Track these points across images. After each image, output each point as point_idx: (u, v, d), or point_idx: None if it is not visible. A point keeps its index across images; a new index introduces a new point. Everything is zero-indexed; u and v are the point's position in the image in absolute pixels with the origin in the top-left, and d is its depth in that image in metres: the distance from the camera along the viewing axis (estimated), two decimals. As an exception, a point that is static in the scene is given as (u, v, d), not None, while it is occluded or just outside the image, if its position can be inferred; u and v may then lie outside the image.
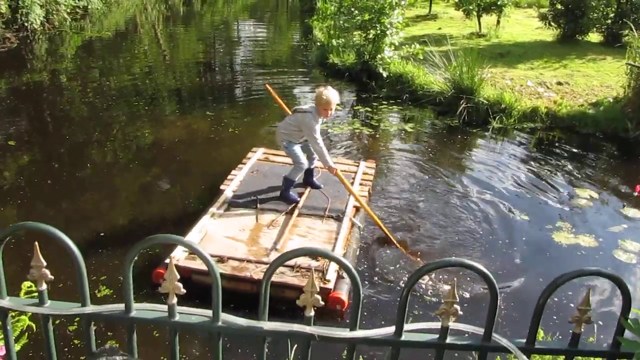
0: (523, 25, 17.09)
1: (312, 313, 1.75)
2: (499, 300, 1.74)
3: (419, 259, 5.60)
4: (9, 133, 8.72)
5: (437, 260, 1.78)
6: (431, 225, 6.31)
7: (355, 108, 10.74)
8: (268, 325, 1.76)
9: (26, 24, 16.09)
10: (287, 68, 13.87)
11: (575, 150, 9.02)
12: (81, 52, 15.28)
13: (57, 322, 4.08)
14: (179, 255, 4.99)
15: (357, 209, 6.17)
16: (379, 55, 11.57)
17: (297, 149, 6.02)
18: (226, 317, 1.77)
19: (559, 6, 14.49)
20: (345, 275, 4.87)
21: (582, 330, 1.82)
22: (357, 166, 7.00)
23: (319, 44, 14.32)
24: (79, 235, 5.60)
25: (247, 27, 22.68)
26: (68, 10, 18.69)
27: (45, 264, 1.79)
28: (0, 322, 1.90)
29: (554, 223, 6.52)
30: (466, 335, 1.82)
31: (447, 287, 4.96)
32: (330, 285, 4.74)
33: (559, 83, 11.46)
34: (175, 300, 1.76)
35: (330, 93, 5.71)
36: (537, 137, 9.56)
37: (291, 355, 2.50)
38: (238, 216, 5.86)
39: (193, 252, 1.74)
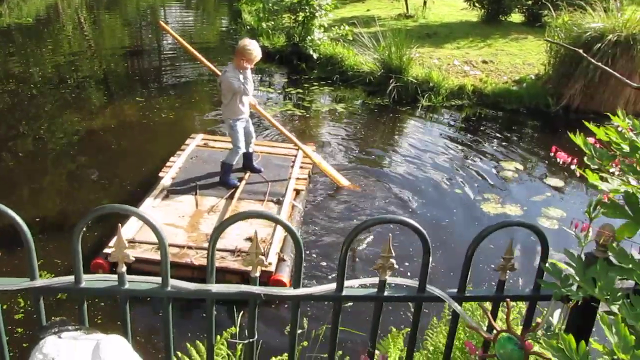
0: (449, 6, 17.46)
1: (258, 274, 1.84)
2: (430, 254, 1.87)
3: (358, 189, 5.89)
4: None
5: (373, 217, 1.89)
6: (365, 201, 6.47)
7: (286, 90, 10.80)
8: (216, 287, 1.82)
9: None
10: (216, 52, 13.75)
11: (500, 125, 9.39)
12: None
13: (4, 306, 4.01)
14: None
15: (298, 192, 6.25)
16: (309, 37, 11.64)
17: (240, 129, 5.97)
18: (175, 282, 1.83)
19: (482, -13, 14.91)
20: (286, 258, 4.98)
21: (507, 277, 1.97)
22: (297, 150, 7.00)
23: (248, 27, 14.23)
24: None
25: (173, 12, 22.29)
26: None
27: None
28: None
29: (483, 194, 6.79)
30: (403, 287, 1.94)
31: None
32: (272, 268, 4.77)
33: (484, 62, 11.83)
34: (124, 268, 1.81)
35: (245, 40, 5.75)
36: (465, 114, 9.88)
37: (238, 321, 2.58)
38: (177, 203, 5.82)
39: (141, 219, 1.79)
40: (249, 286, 1.81)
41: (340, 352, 2.76)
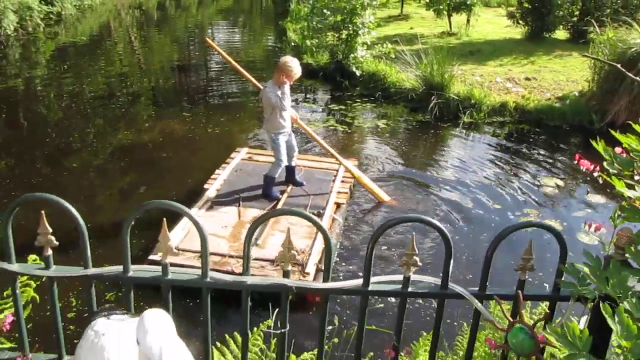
0: (493, 24, 17.48)
1: (290, 267, 1.99)
2: (452, 253, 1.99)
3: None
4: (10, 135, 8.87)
5: (397, 216, 2.02)
6: (406, 214, 6.56)
7: (329, 106, 11.00)
8: (251, 279, 1.98)
9: (-1, 30, 16.14)
10: (261, 70, 14.06)
11: (542, 142, 9.36)
12: (55, 58, 15.34)
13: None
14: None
15: (338, 206, 6.38)
16: (352, 55, 11.84)
17: (282, 142, 6.15)
18: (213, 274, 2.00)
19: (526, 4, 14.89)
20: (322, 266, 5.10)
21: (527, 277, 2.08)
22: (339, 164, 7.09)
23: (293, 44, 14.53)
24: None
25: (221, 30, 22.86)
26: (41, 16, 18.71)
27: (50, 230, 2.00)
28: (10, 286, 2.11)
29: (522, 210, 6.82)
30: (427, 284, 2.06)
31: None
32: (310, 278, 4.88)
33: (527, 78, 11.82)
34: (168, 260, 1.98)
35: (287, 57, 5.98)
36: (506, 130, 9.89)
37: (273, 317, 2.73)
38: (221, 214, 6.01)
39: (183, 213, 1.96)
40: (282, 279, 1.96)
41: (370, 353, 2.89)
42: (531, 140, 9.47)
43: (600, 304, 1.50)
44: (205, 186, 6.57)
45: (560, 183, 7.73)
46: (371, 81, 11.59)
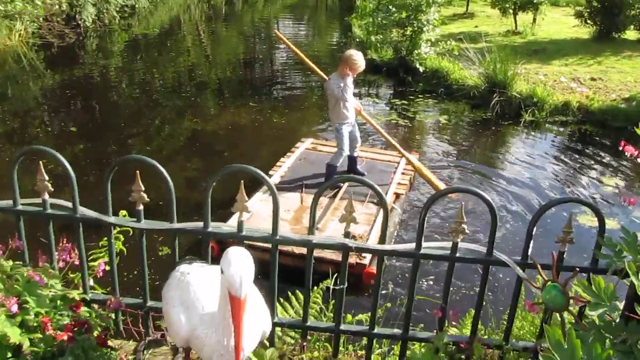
0: (560, 24, 17.26)
1: (350, 229, 2.25)
2: (497, 222, 2.21)
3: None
4: (70, 121, 9.41)
5: (447, 187, 2.26)
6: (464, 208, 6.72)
7: (392, 101, 11.19)
8: (316, 238, 2.26)
9: (79, 22, 16.93)
10: (325, 64, 14.35)
11: (605, 143, 9.33)
12: (128, 49, 16.02)
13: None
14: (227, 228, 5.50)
15: (397, 196, 6.59)
16: (416, 51, 11.99)
17: (345, 133, 6.38)
18: (283, 233, 2.28)
19: (595, 3, 14.66)
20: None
21: (566, 249, 2.28)
22: (401, 157, 7.21)
23: (358, 40, 14.76)
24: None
25: (287, 25, 23.26)
26: (117, 9, 19.49)
27: (143, 188, 2.32)
28: (106, 237, 2.45)
29: (580, 207, 6.87)
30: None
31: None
32: (366, 262, 5.06)
33: (593, 79, 11.71)
34: (244, 217, 2.28)
35: (351, 50, 6.26)
36: (569, 130, 9.88)
37: (332, 280, 2.98)
38: (284, 199, 6.22)
39: (259, 177, 2.25)
40: (343, 238, 2.23)
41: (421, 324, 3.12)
42: (594, 140, 9.44)
43: (633, 277, 1.68)
44: (270, 172, 6.86)
45: (620, 183, 7.73)
46: (434, 77, 11.73)
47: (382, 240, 2.25)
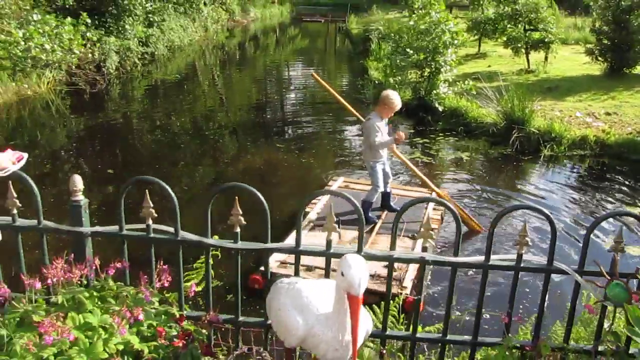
0: (570, 61, 17.71)
1: (428, 244, 2.56)
2: (556, 235, 2.51)
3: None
4: (102, 163, 9.84)
5: (512, 204, 2.57)
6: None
7: (413, 140, 11.55)
8: (396, 253, 2.56)
9: (103, 69, 17.58)
10: (338, 106, 14.83)
11: (624, 175, 9.61)
12: (148, 94, 16.68)
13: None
14: (272, 264, 5.65)
15: (433, 230, 6.81)
16: (435, 91, 12.41)
17: (379, 170, 6.71)
18: (366, 250, 2.59)
19: (605, 41, 15.13)
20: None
21: (619, 257, 2.57)
22: (430, 194, 7.46)
23: (376, 82, 15.21)
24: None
25: (298, 68, 23.93)
26: (138, 56, 20.18)
27: (241, 212, 2.65)
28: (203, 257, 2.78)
29: (607, 236, 7.11)
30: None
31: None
32: (407, 292, 5.29)
33: (608, 113, 12.06)
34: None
35: (388, 91, 6.64)
36: (587, 163, 10.18)
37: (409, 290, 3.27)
38: (323, 234, 6.51)
39: (346, 200, 2.57)
40: (422, 252, 2.54)
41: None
42: (613, 173, 9.73)
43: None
44: (307, 209, 7.10)
45: (644, 212, 7.99)
46: (453, 116, 12.11)
47: (455, 252, 2.55)
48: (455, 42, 12.30)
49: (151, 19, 21.63)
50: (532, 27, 15.98)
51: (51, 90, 14.98)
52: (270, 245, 2.67)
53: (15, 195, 2.99)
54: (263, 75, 21.76)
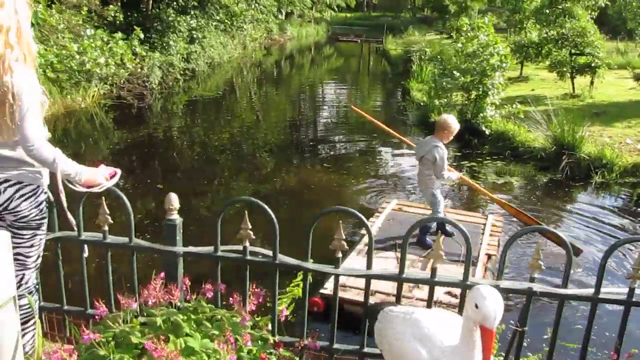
0: (616, 86, 17.49)
1: (535, 275, 2.52)
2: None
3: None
4: (154, 177, 9.99)
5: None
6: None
7: (460, 163, 11.47)
8: (503, 283, 2.53)
9: (146, 84, 17.89)
10: (372, 129, 14.95)
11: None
12: (188, 109, 17.05)
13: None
14: (330, 287, 5.61)
15: (489, 257, 6.69)
16: (481, 114, 12.33)
17: (440, 197, 6.66)
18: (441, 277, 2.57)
19: (654, 67, 14.98)
20: None
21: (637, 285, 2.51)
22: (486, 218, 7.51)
23: (421, 104, 15.19)
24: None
25: (331, 88, 24.13)
26: (180, 72, 20.51)
27: (344, 237, 2.64)
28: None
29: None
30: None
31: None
32: None
33: (659, 140, 11.87)
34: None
35: (447, 116, 6.63)
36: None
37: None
38: (380, 258, 6.31)
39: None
40: (529, 283, 2.50)
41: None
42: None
43: None
44: (362, 232, 7.10)
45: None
46: (499, 140, 12.01)
47: (564, 284, 2.51)
48: (504, 65, 12.24)
49: (194, 36, 21.96)
50: (578, 52, 15.82)
51: (96, 103, 15.27)
52: (373, 271, 2.66)
53: (107, 211, 3.03)
54: (298, 94, 22.11)
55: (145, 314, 2.67)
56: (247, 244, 2.85)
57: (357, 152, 12.72)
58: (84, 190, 2.89)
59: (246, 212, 2.86)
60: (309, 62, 34.27)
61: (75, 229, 3.07)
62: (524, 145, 11.53)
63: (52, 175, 2.82)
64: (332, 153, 12.60)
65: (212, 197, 9.43)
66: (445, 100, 13.57)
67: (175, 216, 2.93)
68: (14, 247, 2.81)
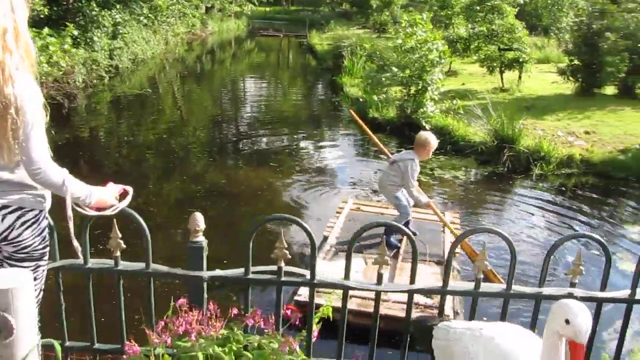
0: (540, 80, 18.14)
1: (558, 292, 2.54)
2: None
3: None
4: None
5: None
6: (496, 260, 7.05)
7: (403, 158, 11.61)
8: (547, 290, 2.54)
9: (71, 82, 17.14)
10: (291, 121, 14.93)
11: (613, 192, 9.94)
12: (113, 107, 16.53)
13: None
14: (304, 293, 5.33)
15: (455, 255, 6.68)
16: (421, 110, 12.50)
17: (403, 198, 6.62)
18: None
19: (577, 62, 15.63)
20: (459, 311, 5.34)
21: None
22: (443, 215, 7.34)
23: (359, 99, 15.21)
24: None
25: (251, 84, 24.00)
26: (105, 69, 19.77)
27: (388, 253, 2.58)
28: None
29: (617, 254, 7.27)
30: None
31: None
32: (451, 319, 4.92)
33: (587, 132, 12.41)
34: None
35: (426, 133, 6.65)
36: (575, 181, 10.42)
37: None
38: (343, 261, 6.32)
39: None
40: (572, 289, 2.52)
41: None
42: (601, 190, 9.99)
43: None
44: (325, 233, 6.96)
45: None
46: (440, 135, 12.14)
47: (603, 287, 2.55)
48: (443, 61, 12.47)
49: (117, 31, 21.21)
50: (506, 47, 16.33)
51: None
52: (416, 286, 2.62)
53: (120, 235, 2.82)
54: (221, 89, 21.97)
55: (174, 348, 2.48)
56: (283, 264, 2.73)
57: (283, 147, 12.69)
58: (95, 214, 2.61)
59: (282, 231, 2.74)
60: (230, 57, 33.90)
61: (80, 256, 2.78)
62: (464, 139, 11.79)
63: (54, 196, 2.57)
64: (257, 148, 12.55)
65: (143, 199, 9.08)
66: (384, 96, 13.67)
67: (201, 238, 2.75)
68: (13, 283, 2.61)
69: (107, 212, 2.66)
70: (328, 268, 6.00)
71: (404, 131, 12.77)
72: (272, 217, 2.98)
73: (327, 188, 9.86)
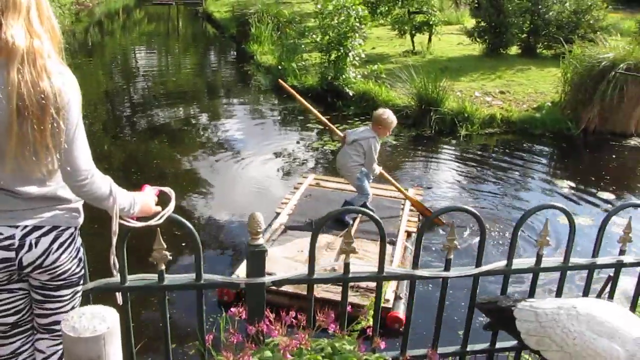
0: (446, 42, 18.43)
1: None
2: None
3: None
4: None
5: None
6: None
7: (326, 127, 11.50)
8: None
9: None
10: (230, 96, 14.47)
11: (534, 149, 10.35)
12: None
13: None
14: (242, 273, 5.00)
15: (409, 234, 6.47)
16: (343, 76, 12.39)
17: (366, 180, 6.43)
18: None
19: (483, 23, 16.07)
20: (402, 295, 5.13)
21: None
22: (406, 191, 7.22)
23: (276, 67, 14.85)
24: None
25: (147, 54, 23.17)
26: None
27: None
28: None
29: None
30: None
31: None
32: (389, 305, 4.89)
33: (502, 92, 12.80)
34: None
35: (383, 111, 6.45)
36: (499, 140, 10.80)
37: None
38: (295, 238, 6.01)
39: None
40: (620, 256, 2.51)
41: None
42: (524, 148, 10.35)
43: None
44: (277, 210, 6.73)
45: (572, 184, 8.61)
46: (363, 100, 12.16)
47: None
48: (363, 26, 12.39)
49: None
50: (416, 10, 16.48)
51: None
52: (481, 268, 2.52)
53: (164, 246, 2.46)
54: (112, 62, 20.71)
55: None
56: (349, 260, 2.61)
57: (186, 120, 12.23)
58: (139, 224, 2.27)
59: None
60: (119, 27, 32.34)
61: (116, 273, 2.38)
62: (387, 103, 11.78)
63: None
64: (158, 124, 11.84)
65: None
66: (303, 63, 13.46)
67: (262, 241, 2.51)
68: (49, 315, 2.22)
69: (153, 222, 2.32)
70: (275, 248, 5.74)
71: (325, 97, 12.64)
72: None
73: (253, 161, 9.55)
